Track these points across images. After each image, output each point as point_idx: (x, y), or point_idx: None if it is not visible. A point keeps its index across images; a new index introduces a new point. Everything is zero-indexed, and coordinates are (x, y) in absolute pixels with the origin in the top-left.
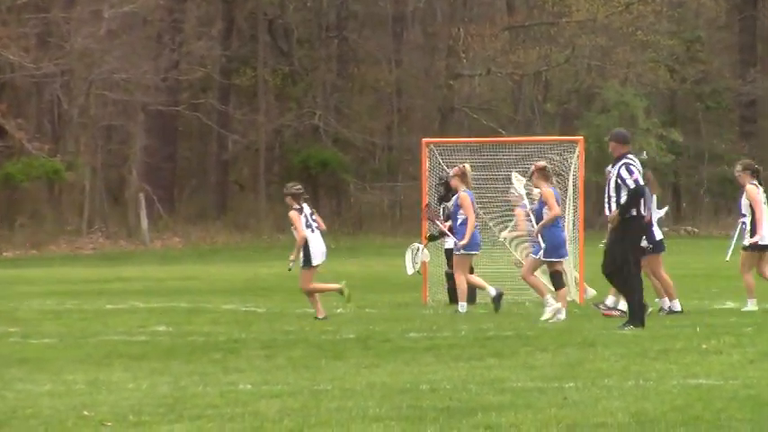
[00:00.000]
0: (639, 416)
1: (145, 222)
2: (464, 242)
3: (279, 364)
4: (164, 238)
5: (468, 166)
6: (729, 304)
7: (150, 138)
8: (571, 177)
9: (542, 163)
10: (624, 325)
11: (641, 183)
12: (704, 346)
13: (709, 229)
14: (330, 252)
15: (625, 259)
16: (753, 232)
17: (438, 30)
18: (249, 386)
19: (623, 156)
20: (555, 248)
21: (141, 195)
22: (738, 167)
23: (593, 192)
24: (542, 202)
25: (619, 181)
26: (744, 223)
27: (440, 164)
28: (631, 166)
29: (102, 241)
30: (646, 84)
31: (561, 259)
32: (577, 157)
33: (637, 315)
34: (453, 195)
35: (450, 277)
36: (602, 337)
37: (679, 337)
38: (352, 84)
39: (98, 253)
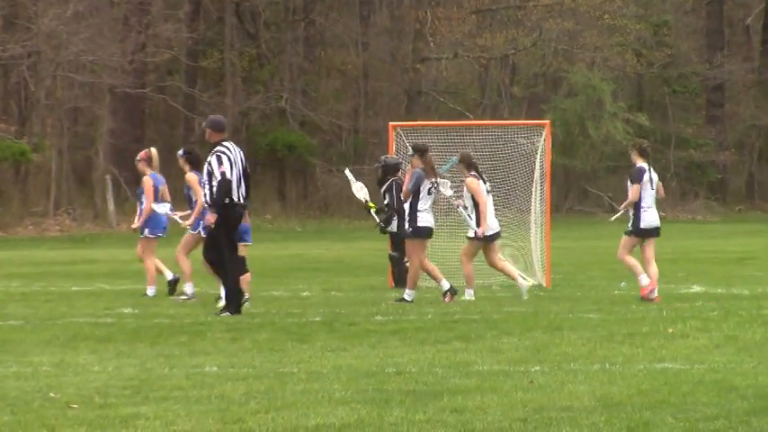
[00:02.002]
0: (605, 400)
1: (111, 205)
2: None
3: (245, 346)
4: (130, 221)
5: (154, 150)
6: (696, 288)
7: (117, 120)
8: (538, 161)
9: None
10: (221, 311)
11: (228, 175)
12: (670, 331)
13: (675, 213)
14: (296, 235)
15: (219, 246)
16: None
17: (405, 13)
18: (215, 369)
19: (218, 143)
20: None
21: (108, 178)
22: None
23: (560, 175)
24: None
25: (209, 168)
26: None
27: (406, 147)
28: (222, 156)
29: (69, 223)
30: (613, 68)
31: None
32: (544, 140)
33: (233, 301)
34: (390, 178)
35: (393, 261)
36: (568, 321)
37: (645, 322)
38: (318, 67)
39: (64, 235)
